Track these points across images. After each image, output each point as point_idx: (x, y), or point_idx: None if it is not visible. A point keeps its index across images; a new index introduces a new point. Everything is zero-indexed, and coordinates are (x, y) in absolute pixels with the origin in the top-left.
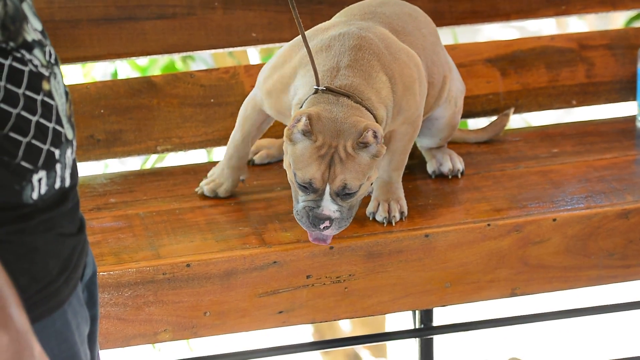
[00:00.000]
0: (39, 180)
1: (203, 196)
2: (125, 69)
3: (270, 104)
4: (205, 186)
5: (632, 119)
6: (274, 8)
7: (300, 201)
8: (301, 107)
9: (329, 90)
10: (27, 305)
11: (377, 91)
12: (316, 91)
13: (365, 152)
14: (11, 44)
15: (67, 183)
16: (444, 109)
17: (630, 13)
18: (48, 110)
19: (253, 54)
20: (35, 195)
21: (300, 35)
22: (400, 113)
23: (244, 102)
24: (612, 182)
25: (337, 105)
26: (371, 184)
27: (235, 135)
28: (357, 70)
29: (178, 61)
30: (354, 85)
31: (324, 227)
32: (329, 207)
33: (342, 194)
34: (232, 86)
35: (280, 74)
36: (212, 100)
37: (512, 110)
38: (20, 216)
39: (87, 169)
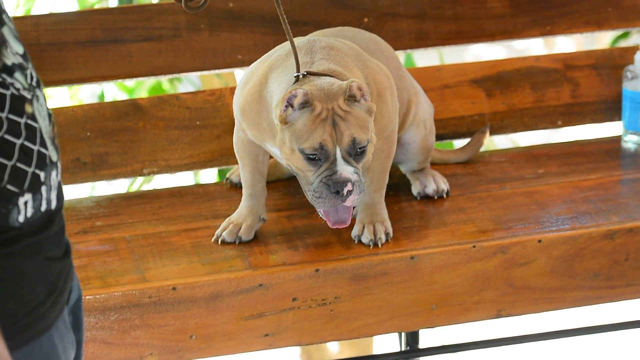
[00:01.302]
0: (25, 203)
1: (217, 241)
2: (112, 90)
3: (248, 122)
4: (223, 232)
5: (617, 139)
6: (259, 30)
7: (314, 179)
8: None
9: (310, 74)
10: (14, 329)
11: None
12: (297, 80)
13: (358, 106)
14: None
15: (53, 205)
16: (414, 133)
17: (616, 32)
18: (32, 133)
19: (240, 76)
20: (21, 219)
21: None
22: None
23: (234, 142)
24: (597, 202)
25: (321, 80)
26: (372, 152)
27: (242, 175)
28: (332, 60)
29: (165, 82)
30: (332, 69)
31: (347, 192)
32: (345, 169)
33: (354, 152)
34: (218, 108)
35: (250, 85)
36: (198, 123)
37: (489, 127)
38: (6, 240)
39: (73, 192)
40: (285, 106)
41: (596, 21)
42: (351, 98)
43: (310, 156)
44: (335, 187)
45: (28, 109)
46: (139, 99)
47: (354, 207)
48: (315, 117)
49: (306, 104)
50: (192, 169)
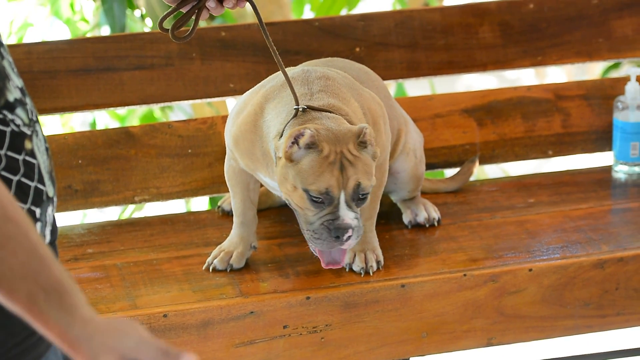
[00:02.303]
0: None
1: (209, 269)
2: (104, 118)
3: (241, 151)
4: (215, 260)
5: (608, 169)
6: (251, 59)
7: (315, 220)
8: (282, 135)
9: (310, 109)
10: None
11: (354, 112)
12: (296, 114)
13: (366, 152)
14: None
15: (47, 240)
16: (404, 162)
17: (607, 63)
18: (30, 169)
19: (232, 104)
20: None
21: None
22: None
23: (224, 170)
24: (588, 232)
25: (324, 119)
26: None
27: (233, 203)
28: (330, 93)
29: (156, 110)
30: (331, 103)
31: (347, 238)
32: (347, 215)
33: (357, 198)
34: (210, 136)
35: (245, 115)
36: (189, 151)
37: (478, 156)
38: None
39: (65, 219)
40: (292, 143)
41: (587, 52)
42: (362, 144)
43: (315, 198)
44: (337, 232)
45: (27, 145)
46: (130, 127)
47: None
48: (323, 159)
49: (312, 145)
50: (183, 197)
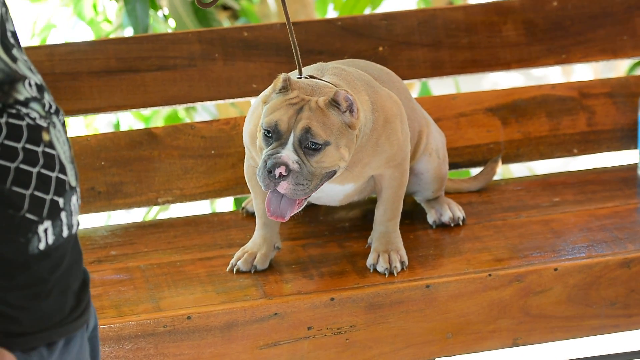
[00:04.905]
0: (45, 231)
1: (232, 271)
2: (129, 118)
3: (257, 149)
4: (238, 261)
5: (633, 167)
6: (274, 59)
7: (262, 156)
8: None
9: (311, 77)
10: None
11: (361, 102)
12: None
13: (336, 112)
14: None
15: (74, 230)
16: (427, 162)
17: (633, 60)
18: (50, 160)
19: None
20: (42, 246)
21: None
22: (379, 149)
23: (244, 171)
24: (613, 231)
25: (318, 81)
26: (344, 165)
27: (254, 203)
28: (342, 80)
29: (181, 111)
30: (338, 82)
31: (279, 175)
32: (289, 155)
33: (305, 144)
34: (233, 137)
35: (258, 112)
36: (212, 152)
37: (501, 156)
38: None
39: (89, 221)
40: (272, 89)
41: (611, 49)
42: (333, 102)
43: (266, 133)
44: (271, 166)
45: (45, 137)
46: (153, 128)
47: (301, 209)
48: (285, 99)
49: (285, 89)
50: (207, 198)
